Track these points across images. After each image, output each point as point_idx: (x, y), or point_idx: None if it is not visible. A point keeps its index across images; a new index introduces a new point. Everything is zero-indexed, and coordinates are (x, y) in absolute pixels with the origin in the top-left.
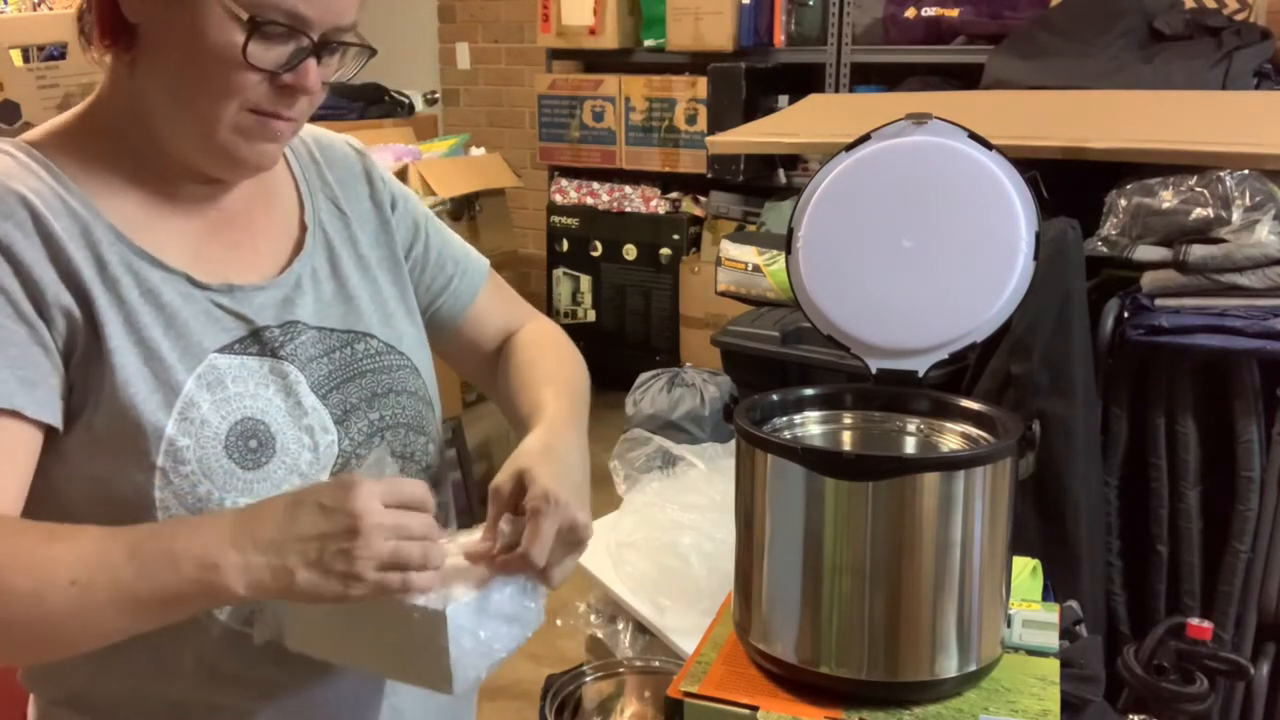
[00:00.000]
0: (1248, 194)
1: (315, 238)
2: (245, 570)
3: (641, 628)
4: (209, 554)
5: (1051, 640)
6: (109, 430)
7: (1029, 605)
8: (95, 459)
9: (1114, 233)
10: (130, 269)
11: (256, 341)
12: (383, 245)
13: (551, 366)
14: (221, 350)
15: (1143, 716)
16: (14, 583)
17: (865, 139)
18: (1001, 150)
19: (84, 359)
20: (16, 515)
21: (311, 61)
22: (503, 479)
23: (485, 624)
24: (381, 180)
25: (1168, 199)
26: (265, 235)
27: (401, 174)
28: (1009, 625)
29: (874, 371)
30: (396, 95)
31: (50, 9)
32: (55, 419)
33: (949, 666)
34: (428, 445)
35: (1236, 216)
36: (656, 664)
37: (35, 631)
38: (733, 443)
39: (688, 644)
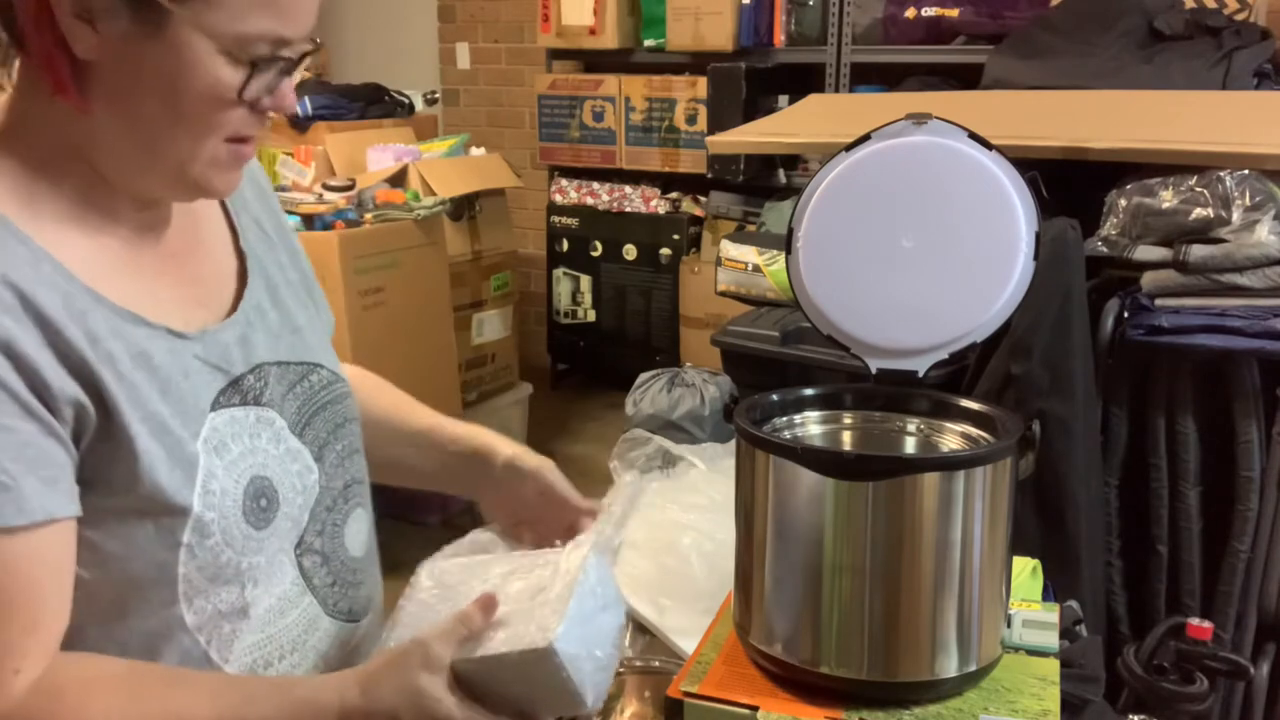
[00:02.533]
0: (1248, 194)
1: (253, 267)
2: None
3: (641, 628)
4: None
5: (1051, 640)
6: (131, 513)
7: (1029, 605)
8: (111, 539)
9: (1114, 233)
10: (119, 334)
11: (237, 391)
12: (298, 266)
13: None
14: (213, 408)
15: (1143, 716)
16: None
17: (865, 139)
18: (1001, 150)
19: (95, 443)
20: (69, 600)
21: (288, 80)
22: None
23: (588, 631)
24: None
25: (1168, 199)
26: (206, 267)
27: (401, 174)
28: (1009, 625)
29: (874, 371)
30: (396, 95)
31: None
32: (79, 509)
33: (949, 666)
34: (365, 464)
35: (1236, 216)
36: (656, 664)
37: None
38: (733, 443)
39: (688, 644)
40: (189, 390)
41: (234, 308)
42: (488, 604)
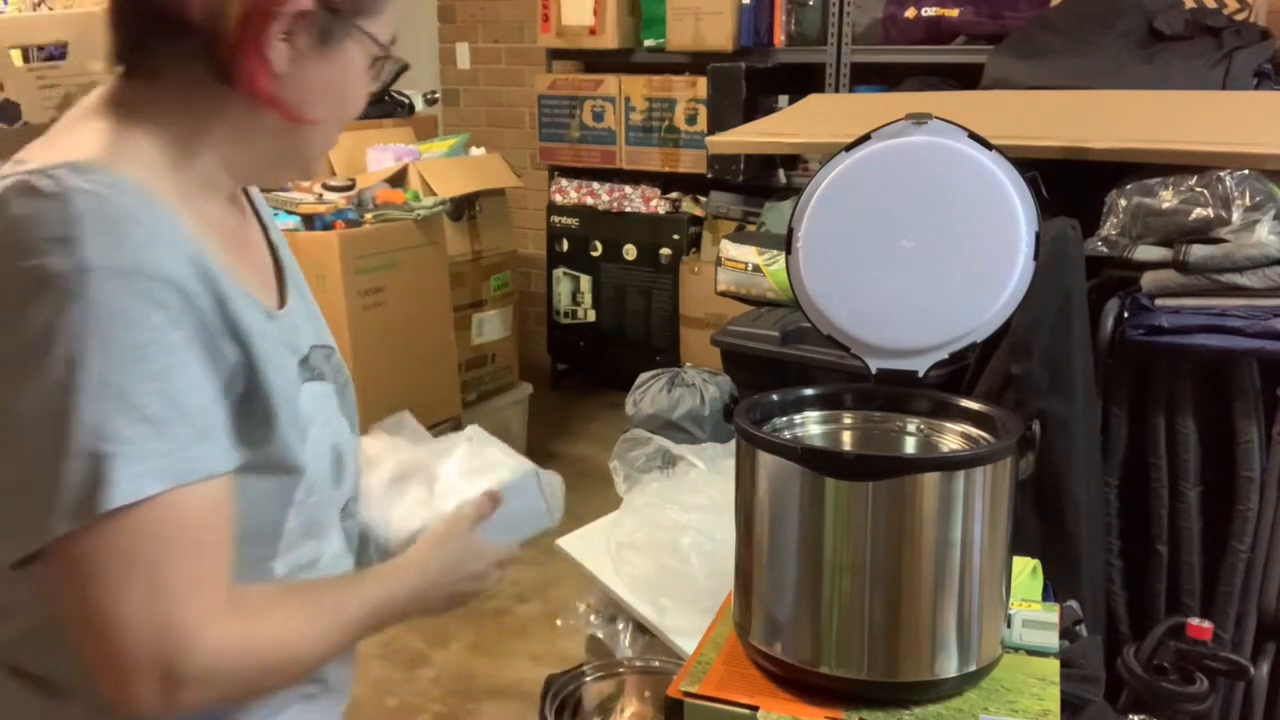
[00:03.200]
0: (1248, 194)
1: (283, 256)
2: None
3: (641, 628)
4: (408, 613)
5: (1051, 640)
6: (263, 469)
7: (1029, 605)
8: (241, 494)
9: (1114, 233)
10: (247, 307)
11: (307, 368)
12: (293, 259)
13: None
14: (303, 381)
15: (1143, 716)
16: (301, 651)
17: (865, 139)
18: (1001, 150)
19: (242, 402)
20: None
21: None
22: None
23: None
24: None
25: (1168, 199)
26: (260, 255)
27: (401, 174)
28: (1009, 625)
29: (874, 371)
30: (396, 95)
31: (50, 9)
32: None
33: (949, 666)
34: None
35: (1236, 216)
36: (656, 664)
37: (290, 679)
38: (733, 443)
39: (688, 644)
40: (285, 362)
41: (281, 294)
42: (492, 495)
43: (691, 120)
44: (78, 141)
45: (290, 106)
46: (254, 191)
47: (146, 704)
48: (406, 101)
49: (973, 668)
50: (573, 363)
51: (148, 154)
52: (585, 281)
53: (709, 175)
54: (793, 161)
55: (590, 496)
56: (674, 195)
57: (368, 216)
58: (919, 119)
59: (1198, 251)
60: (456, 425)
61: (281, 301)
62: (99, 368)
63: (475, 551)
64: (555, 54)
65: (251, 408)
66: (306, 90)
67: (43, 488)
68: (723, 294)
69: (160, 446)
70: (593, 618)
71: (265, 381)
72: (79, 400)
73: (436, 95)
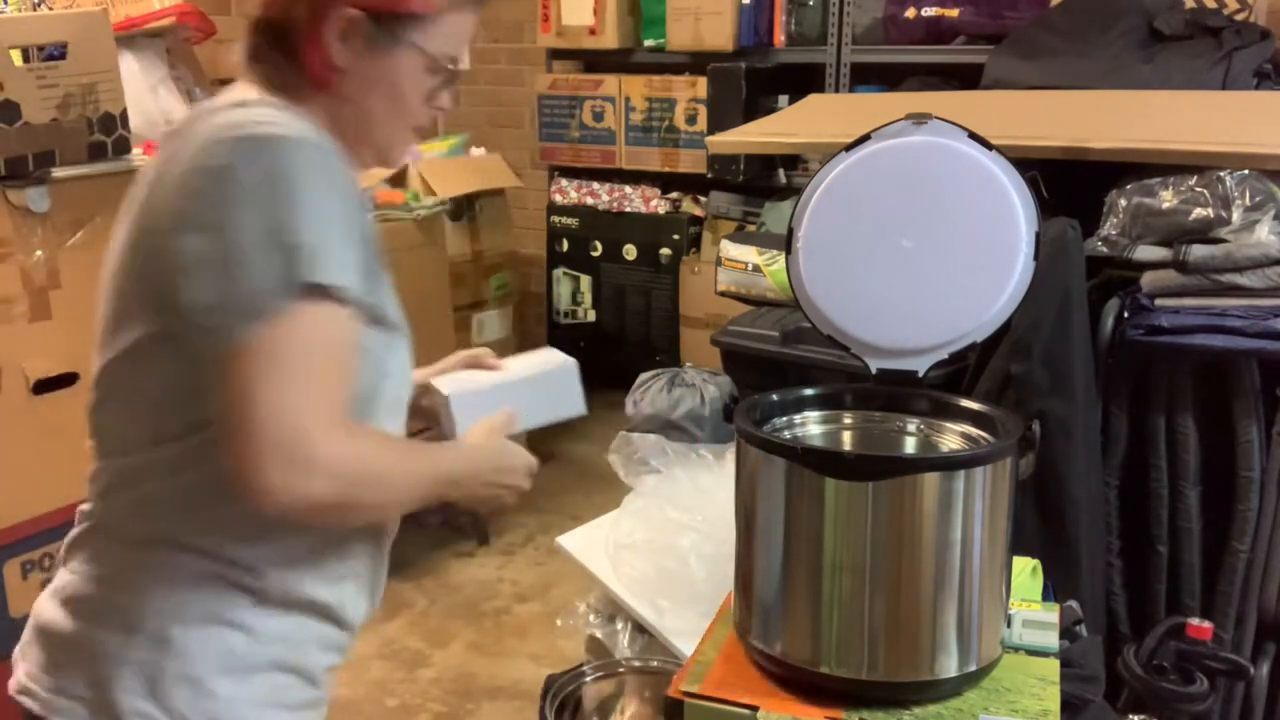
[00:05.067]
0: (1248, 194)
1: None
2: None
3: (641, 628)
4: (461, 489)
5: (1051, 640)
6: (366, 342)
7: (1029, 605)
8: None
9: (1114, 233)
10: (365, 225)
11: (376, 291)
12: None
13: None
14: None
15: (1143, 716)
16: (391, 482)
17: (865, 139)
18: (1001, 150)
19: (373, 286)
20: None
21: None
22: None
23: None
24: None
25: (1168, 199)
26: None
27: (401, 174)
28: (1009, 625)
29: (874, 371)
30: None
31: (50, 9)
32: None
33: (949, 666)
34: None
35: (1236, 216)
36: (656, 664)
37: (379, 507)
38: (733, 443)
39: (687, 645)
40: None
41: None
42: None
43: (691, 120)
44: (259, 112)
45: (341, 88)
46: None
47: (274, 485)
48: None
49: (973, 668)
50: None
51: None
52: (585, 281)
53: (709, 175)
54: (793, 161)
55: (590, 496)
56: (674, 195)
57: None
58: (919, 119)
59: (1198, 251)
60: None
61: None
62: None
63: (512, 451)
64: (555, 54)
65: (379, 289)
66: (362, 84)
67: (246, 288)
68: (723, 294)
69: (348, 258)
70: (592, 618)
71: (373, 262)
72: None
73: None
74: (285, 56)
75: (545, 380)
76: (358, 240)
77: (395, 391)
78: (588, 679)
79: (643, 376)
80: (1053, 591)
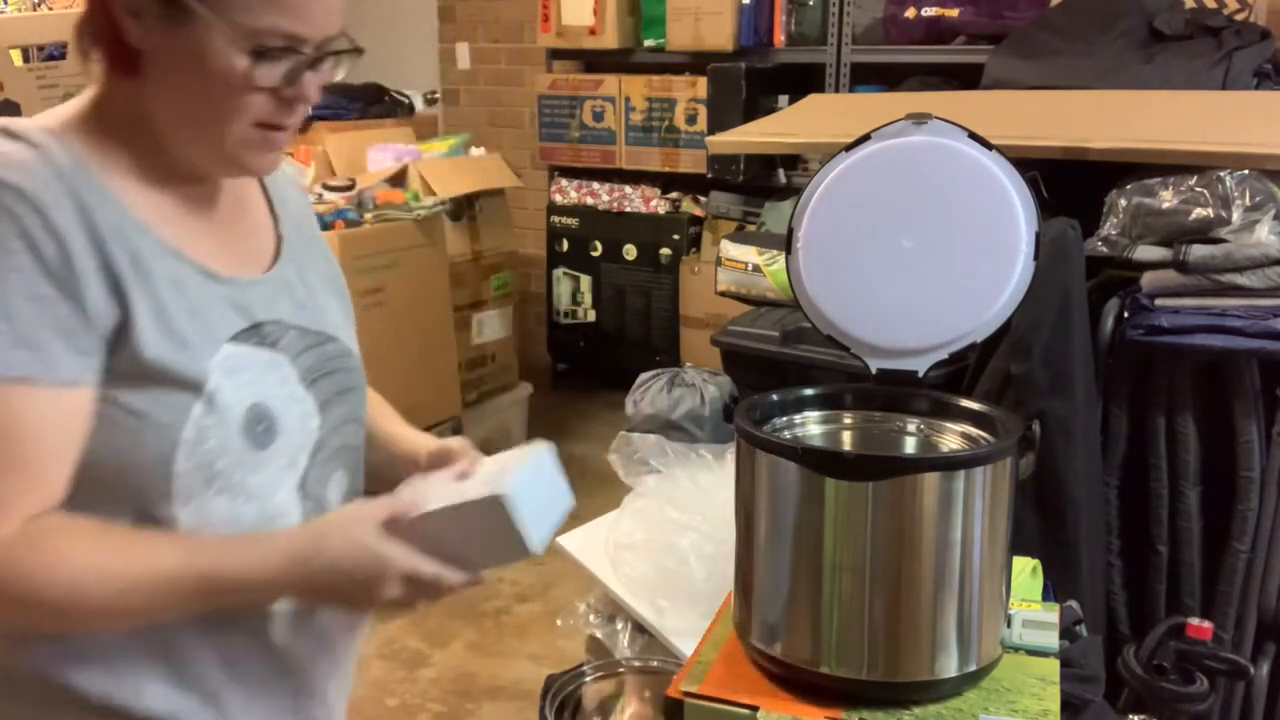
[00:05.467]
0: (1248, 194)
1: (288, 251)
2: (293, 600)
3: (641, 628)
4: (269, 596)
5: (1051, 640)
6: (141, 406)
7: (1029, 605)
8: (116, 430)
9: (1114, 233)
10: (159, 258)
11: (257, 334)
12: (330, 264)
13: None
14: (232, 339)
15: (1143, 716)
16: (91, 593)
17: (865, 139)
18: (1001, 150)
19: (117, 339)
20: (73, 468)
21: (309, 74)
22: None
23: (537, 490)
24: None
25: (1168, 199)
26: (247, 236)
27: (401, 174)
28: (1009, 625)
29: (874, 371)
30: (397, 95)
31: (50, 9)
32: (96, 384)
33: (949, 666)
34: (361, 435)
35: (1236, 216)
36: (656, 664)
37: (97, 625)
38: (733, 443)
39: (687, 646)
40: (213, 319)
41: (268, 271)
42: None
43: (691, 120)
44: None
45: (148, 76)
46: (289, 198)
47: None
48: (406, 101)
49: (973, 668)
50: (573, 363)
51: (88, 130)
52: (585, 281)
53: (709, 175)
54: (793, 161)
55: (591, 496)
56: (674, 195)
57: (367, 216)
58: (919, 119)
59: (1198, 251)
60: (457, 425)
61: (266, 271)
62: None
63: (377, 556)
64: (555, 54)
65: (129, 345)
66: (167, 68)
67: None
68: (723, 294)
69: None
70: (592, 618)
71: (141, 327)
72: None
73: (436, 95)
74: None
75: (474, 511)
76: (26, 301)
77: (204, 459)
78: (588, 679)
79: (643, 376)
80: (1053, 591)
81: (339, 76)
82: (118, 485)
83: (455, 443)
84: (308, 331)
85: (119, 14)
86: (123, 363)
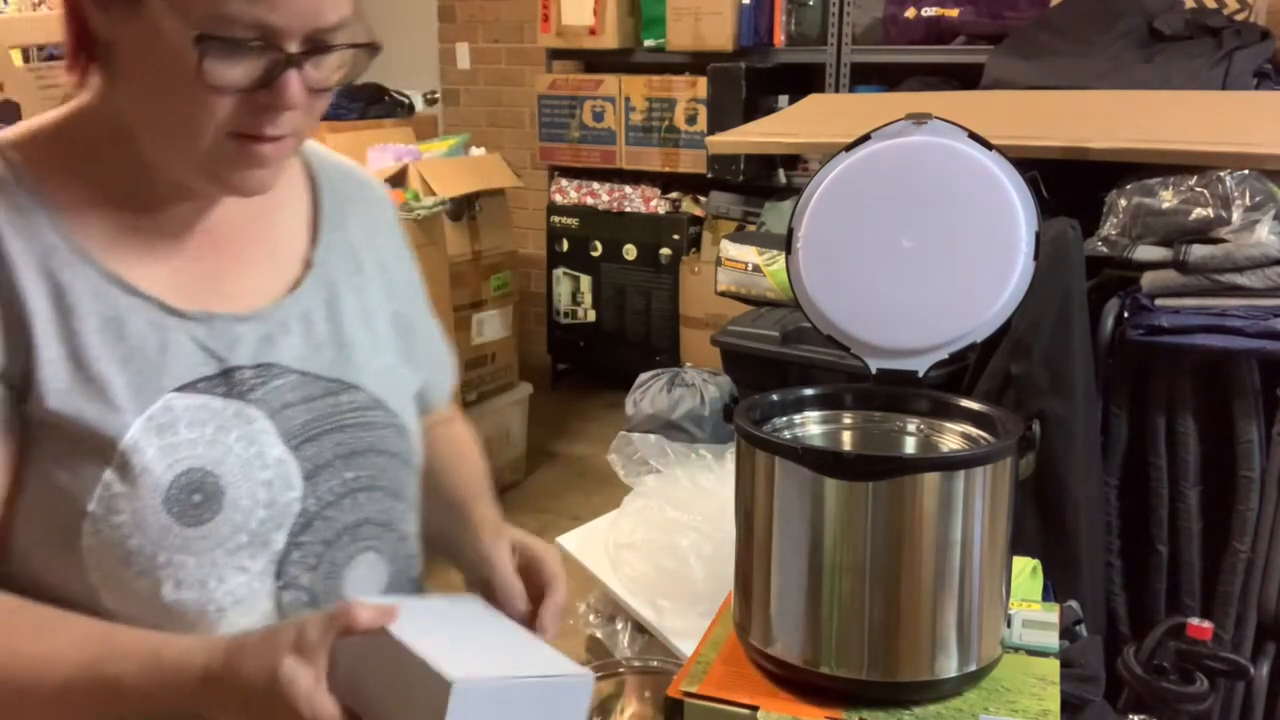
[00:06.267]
0: (1248, 194)
1: (316, 278)
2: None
3: (640, 628)
4: (181, 711)
5: (1051, 640)
6: (45, 469)
7: (1029, 605)
8: (25, 497)
9: (1114, 233)
10: (95, 294)
11: (225, 381)
12: (396, 299)
13: (472, 470)
14: (182, 389)
15: (1143, 716)
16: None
17: (865, 139)
18: (1001, 150)
19: (22, 386)
20: None
21: (292, 74)
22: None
23: (502, 709)
24: (404, 237)
25: (1168, 199)
26: (256, 264)
27: (401, 174)
28: (1009, 625)
29: (874, 371)
30: (396, 95)
31: (50, 9)
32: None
33: (949, 666)
34: (406, 512)
35: (1236, 216)
36: (656, 664)
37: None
38: (733, 443)
39: (686, 646)
40: (157, 364)
41: (270, 306)
42: (387, 612)
43: (691, 120)
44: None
45: (116, 74)
46: (348, 221)
47: None
48: (406, 101)
49: (973, 668)
50: (573, 363)
51: (53, 142)
52: (585, 281)
53: (709, 175)
54: (793, 161)
55: (590, 496)
56: (674, 195)
57: None
58: (919, 119)
59: (1198, 251)
60: None
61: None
62: None
63: (276, 687)
64: (555, 54)
65: (29, 389)
66: (132, 60)
67: None
68: (723, 294)
69: None
70: (592, 618)
71: (41, 363)
72: None
73: (436, 95)
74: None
75: (417, 674)
76: None
77: (113, 536)
78: None
79: (643, 376)
80: (1053, 591)
81: (354, 76)
82: (33, 559)
83: (547, 561)
84: (315, 378)
85: (84, 3)
86: (33, 414)
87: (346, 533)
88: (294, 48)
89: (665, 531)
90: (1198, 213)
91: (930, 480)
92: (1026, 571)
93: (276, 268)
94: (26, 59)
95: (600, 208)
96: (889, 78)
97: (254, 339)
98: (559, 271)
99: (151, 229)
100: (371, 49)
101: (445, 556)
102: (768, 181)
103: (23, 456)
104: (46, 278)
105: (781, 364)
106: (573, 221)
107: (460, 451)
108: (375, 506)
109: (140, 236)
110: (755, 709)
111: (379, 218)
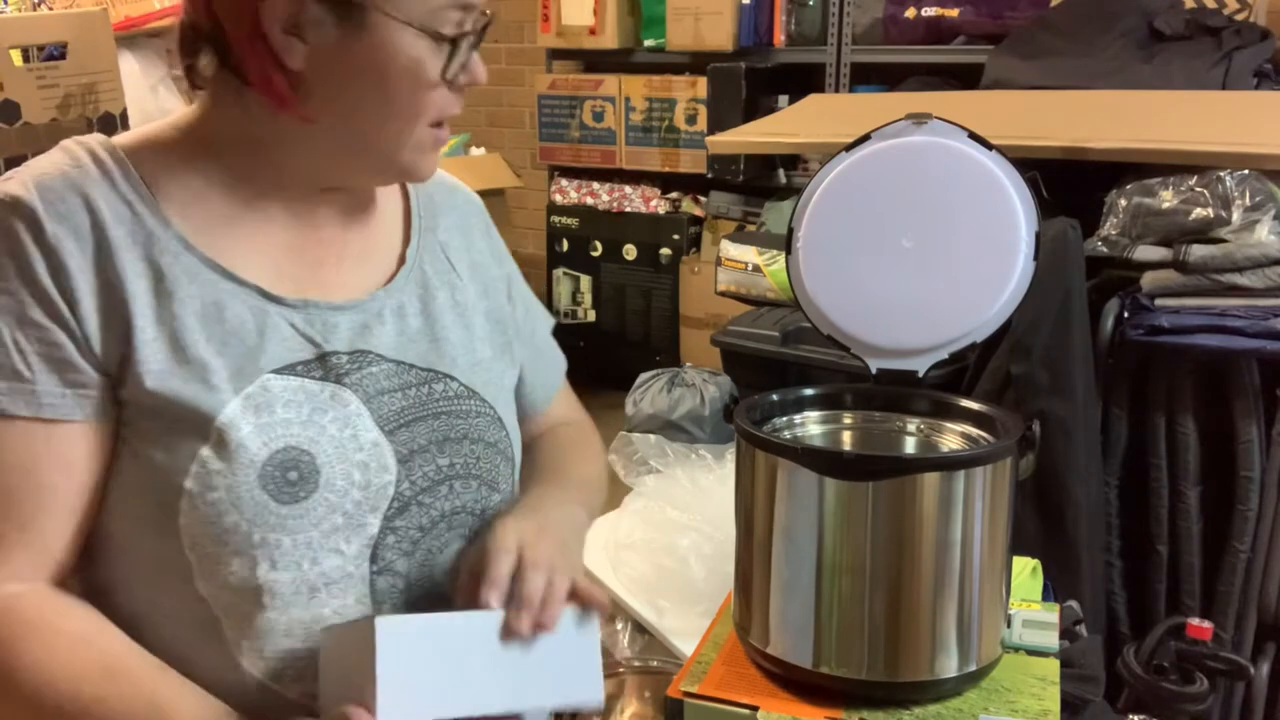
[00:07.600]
0: (1248, 194)
1: (410, 274)
2: None
3: (640, 628)
4: None
5: (1051, 640)
6: (143, 448)
7: (1029, 605)
8: (124, 477)
9: (1114, 233)
10: (195, 279)
11: (321, 365)
12: (491, 298)
13: (578, 468)
14: (280, 370)
15: (1143, 716)
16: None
17: (865, 139)
18: (1001, 150)
19: (121, 369)
20: (80, 516)
21: (476, 53)
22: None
23: (436, 659)
24: (499, 239)
25: (1168, 199)
26: (354, 259)
27: None
28: (1009, 625)
29: (874, 371)
30: None
31: (50, 9)
32: (101, 419)
33: (949, 666)
34: (502, 504)
35: (1236, 216)
36: (656, 664)
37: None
38: (733, 443)
39: (686, 646)
40: (256, 347)
41: (367, 298)
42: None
43: (691, 120)
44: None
45: (311, 99)
46: (439, 224)
47: None
48: None
49: (973, 668)
50: (572, 362)
51: (165, 143)
52: (585, 281)
53: (709, 175)
54: (793, 161)
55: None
56: (674, 195)
57: None
58: (919, 119)
59: (1198, 251)
60: None
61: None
62: None
63: None
64: (555, 54)
65: (130, 371)
66: (341, 81)
67: None
68: (723, 294)
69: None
70: None
71: (141, 343)
72: None
73: None
74: (233, 74)
75: (351, 633)
76: (11, 328)
77: (210, 513)
78: None
79: (643, 376)
80: (1053, 591)
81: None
82: (130, 546)
83: (504, 541)
84: (408, 367)
85: (275, 37)
86: (130, 396)
87: (442, 520)
88: (476, 22)
89: (665, 531)
90: (1198, 213)
91: (930, 480)
92: (1026, 571)
93: (372, 263)
94: (26, 59)
95: (600, 208)
96: (889, 78)
97: (349, 327)
98: (559, 271)
99: (253, 223)
100: (487, 21)
101: None
102: (768, 181)
103: (117, 442)
104: (148, 263)
105: (781, 364)
106: (573, 221)
107: (571, 443)
108: (470, 495)
109: (242, 229)
110: (755, 709)
111: (469, 220)
